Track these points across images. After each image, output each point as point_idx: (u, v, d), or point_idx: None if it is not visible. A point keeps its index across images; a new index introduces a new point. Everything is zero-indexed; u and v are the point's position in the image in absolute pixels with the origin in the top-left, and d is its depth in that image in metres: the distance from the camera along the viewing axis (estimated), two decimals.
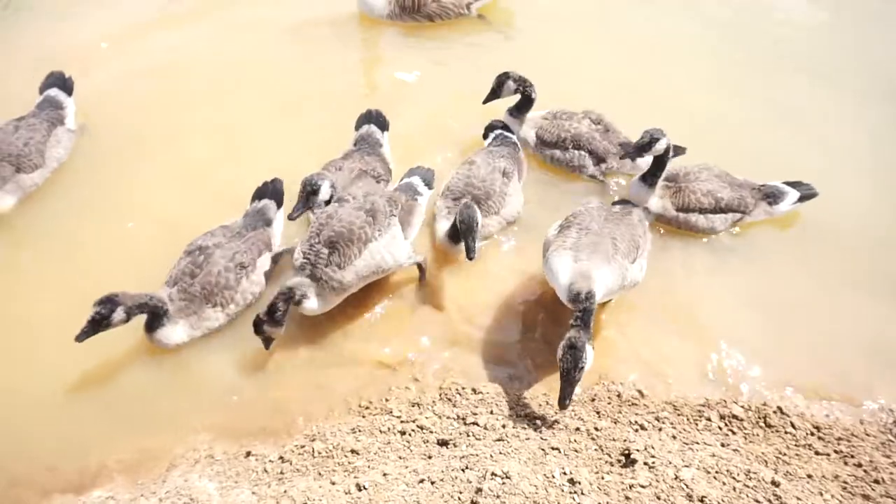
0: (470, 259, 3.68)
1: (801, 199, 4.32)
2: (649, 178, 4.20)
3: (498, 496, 2.40)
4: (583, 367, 3.00)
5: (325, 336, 3.73)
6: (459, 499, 2.47)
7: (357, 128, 4.60)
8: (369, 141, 4.51)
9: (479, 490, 2.46)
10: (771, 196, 4.32)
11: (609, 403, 3.42)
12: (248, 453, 3.12)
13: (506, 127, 4.74)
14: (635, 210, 3.98)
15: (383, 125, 4.62)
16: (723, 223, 4.28)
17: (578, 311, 3.16)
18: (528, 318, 3.86)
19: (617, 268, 3.39)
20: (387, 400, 3.41)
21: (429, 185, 4.22)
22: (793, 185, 4.35)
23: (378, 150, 4.51)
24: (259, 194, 4.14)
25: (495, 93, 4.62)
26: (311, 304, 3.54)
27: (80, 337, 3.29)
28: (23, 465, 3.17)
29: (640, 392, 3.52)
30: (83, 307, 3.31)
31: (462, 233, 3.73)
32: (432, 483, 2.61)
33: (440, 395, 3.42)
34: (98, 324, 3.29)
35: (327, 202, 3.84)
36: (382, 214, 3.73)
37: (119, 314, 3.32)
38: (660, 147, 3.97)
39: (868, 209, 4.52)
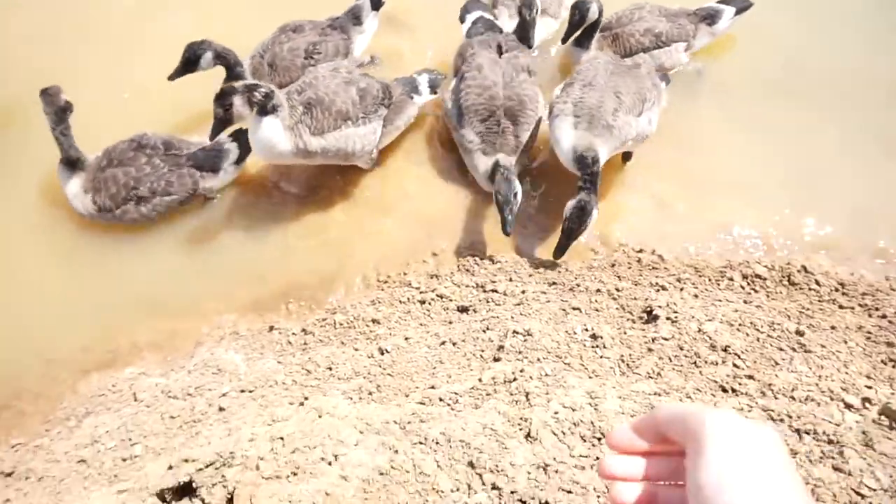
0: (507, 234, 3.26)
1: (738, 12, 4.23)
2: (584, 41, 4.04)
3: (520, 351, 2.41)
4: (585, 227, 3.17)
5: (341, 213, 3.68)
6: (482, 356, 2.49)
7: None
8: (351, 13, 4.12)
9: (500, 347, 2.47)
10: (708, 17, 4.23)
11: (629, 268, 3.39)
12: (272, 328, 3.17)
13: (484, 8, 4.27)
14: (645, 62, 3.79)
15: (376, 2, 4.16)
16: (669, 57, 4.18)
17: (585, 174, 3.18)
18: (543, 186, 3.77)
19: (619, 127, 3.35)
20: (405, 273, 3.40)
21: (434, 89, 3.93)
22: (726, 1, 4.26)
23: (350, 28, 4.09)
24: None
25: None
26: (271, 124, 3.19)
27: (173, 76, 3.60)
28: (58, 348, 3.26)
29: (660, 256, 3.48)
30: None
31: (499, 205, 3.26)
32: (454, 344, 2.64)
33: (458, 266, 3.40)
34: (189, 63, 3.58)
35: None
36: (372, 100, 3.50)
37: (207, 58, 3.60)
38: (592, 16, 3.85)
39: None
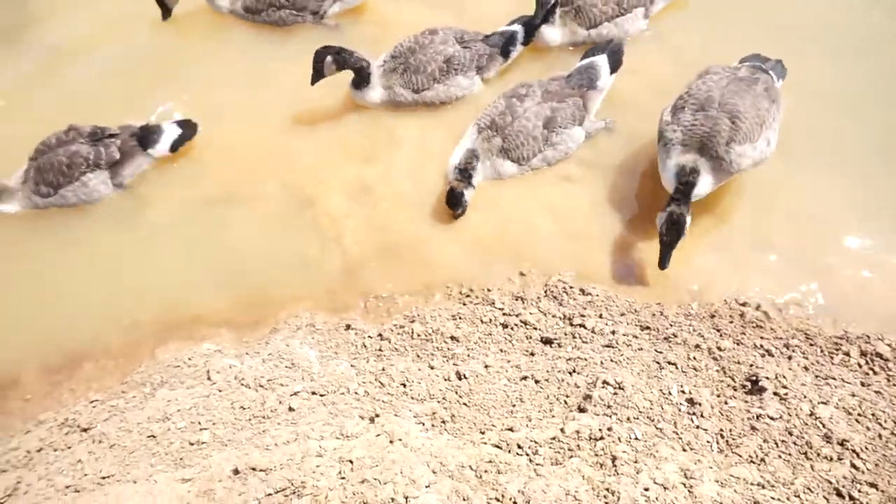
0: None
1: None
2: (548, 18, 4.07)
3: (609, 406, 2.23)
4: (681, 237, 3.11)
5: (426, 220, 3.58)
6: (566, 402, 2.32)
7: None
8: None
9: (587, 397, 2.29)
10: None
11: (731, 322, 3.11)
12: (348, 326, 3.11)
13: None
14: (763, 76, 3.48)
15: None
16: (632, 24, 4.20)
17: (680, 183, 3.15)
18: (641, 222, 3.51)
19: (732, 160, 3.22)
20: (489, 290, 3.26)
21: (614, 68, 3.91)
22: None
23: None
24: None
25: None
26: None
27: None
28: (143, 311, 3.34)
29: (765, 314, 3.17)
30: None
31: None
32: (536, 381, 2.48)
33: (545, 291, 3.23)
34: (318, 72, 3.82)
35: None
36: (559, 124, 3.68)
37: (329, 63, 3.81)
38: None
39: None
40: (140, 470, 2.24)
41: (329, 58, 3.83)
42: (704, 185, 3.23)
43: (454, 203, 3.49)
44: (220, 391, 2.61)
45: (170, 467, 2.22)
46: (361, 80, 3.94)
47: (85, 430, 2.65)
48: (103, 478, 2.17)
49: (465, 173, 3.54)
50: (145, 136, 3.84)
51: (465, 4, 4.65)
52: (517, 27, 4.16)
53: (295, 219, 3.66)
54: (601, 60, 3.86)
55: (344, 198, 3.72)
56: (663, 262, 3.15)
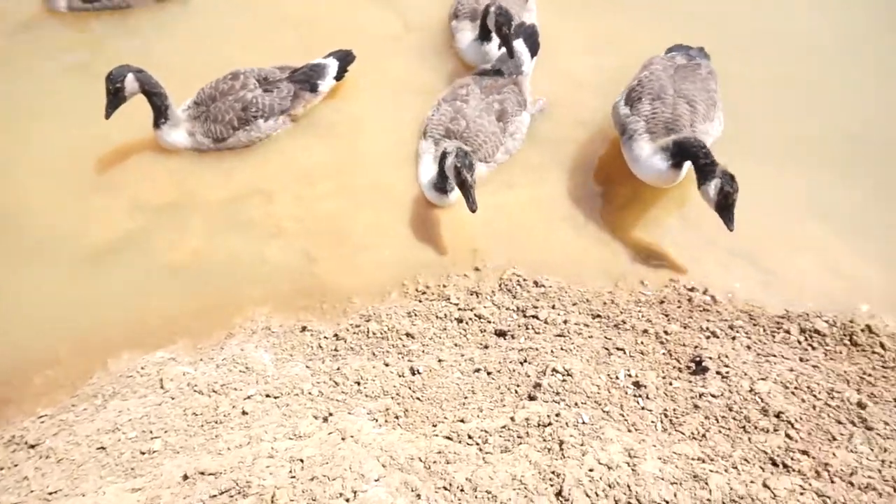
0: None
1: None
2: (486, 35, 4.03)
3: (557, 392, 2.29)
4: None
5: (386, 220, 3.60)
6: (516, 391, 2.37)
7: None
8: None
9: (537, 385, 2.35)
10: None
11: (679, 307, 3.21)
12: (304, 328, 3.11)
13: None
14: (703, 61, 3.67)
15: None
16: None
17: (698, 155, 3.11)
18: (592, 214, 3.61)
19: (700, 137, 3.29)
20: (444, 286, 3.30)
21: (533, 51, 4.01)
22: None
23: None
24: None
25: None
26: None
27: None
28: (94, 321, 3.27)
29: (713, 297, 3.29)
30: None
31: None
32: (488, 373, 2.53)
33: (500, 285, 3.28)
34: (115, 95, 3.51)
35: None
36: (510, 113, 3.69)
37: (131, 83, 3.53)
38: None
39: None
40: (89, 483, 2.20)
41: (130, 75, 3.51)
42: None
43: (457, 177, 3.25)
44: (172, 399, 2.59)
45: (120, 478, 2.20)
46: (159, 115, 3.69)
47: (32, 446, 2.60)
48: (50, 493, 2.14)
49: (466, 158, 3.26)
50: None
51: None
52: (330, 60, 4.05)
53: (249, 221, 3.64)
54: (519, 46, 3.92)
55: (299, 199, 3.71)
56: (733, 221, 3.09)
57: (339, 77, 4.06)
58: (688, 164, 3.30)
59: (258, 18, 4.75)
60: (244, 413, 2.39)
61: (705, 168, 3.08)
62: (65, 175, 3.80)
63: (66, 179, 3.79)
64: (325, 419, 2.24)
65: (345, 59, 4.08)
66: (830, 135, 3.93)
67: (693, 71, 3.59)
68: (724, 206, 3.06)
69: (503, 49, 3.94)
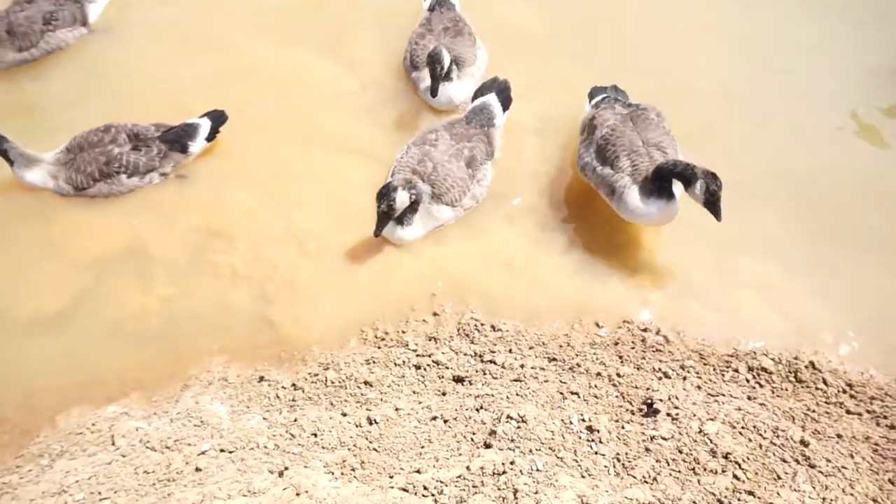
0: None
1: None
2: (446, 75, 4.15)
3: (512, 440, 2.32)
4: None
5: (345, 266, 3.62)
6: (472, 439, 2.40)
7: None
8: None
9: (493, 432, 2.38)
10: None
11: (633, 348, 3.30)
12: (262, 378, 3.08)
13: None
14: (648, 106, 3.89)
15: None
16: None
17: (677, 171, 3.34)
18: (549, 258, 3.70)
19: None
20: (403, 332, 3.32)
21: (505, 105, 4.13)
22: None
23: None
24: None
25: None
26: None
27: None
28: (41, 376, 3.19)
29: (665, 338, 3.39)
30: None
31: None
32: (445, 422, 2.55)
33: (458, 330, 3.32)
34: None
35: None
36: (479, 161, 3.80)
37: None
38: (446, 62, 4.06)
39: None
40: None
41: None
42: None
43: (383, 196, 3.37)
44: (123, 456, 2.53)
45: None
46: (5, 157, 3.75)
47: None
48: None
49: (409, 184, 3.47)
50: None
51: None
52: (203, 120, 4.05)
53: (204, 267, 3.62)
54: (492, 99, 4.07)
55: (255, 247, 3.71)
56: (720, 216, 3.32)
57: (210, 138, 4.05)
58: (679, 189, 3.49)
59: (210, 68, 4.75)
60: (198, 469, 2.35)
61: (686, 174, 3.31)
62: None
63: None
64: (281, 474, 2.22)
65: (218, 119, 4.09)
66: (767, 176, 4.13)
67: (645, 118, 3.78)
68: (712, 202, 3.31)
69: (470, 90, 4.17)
